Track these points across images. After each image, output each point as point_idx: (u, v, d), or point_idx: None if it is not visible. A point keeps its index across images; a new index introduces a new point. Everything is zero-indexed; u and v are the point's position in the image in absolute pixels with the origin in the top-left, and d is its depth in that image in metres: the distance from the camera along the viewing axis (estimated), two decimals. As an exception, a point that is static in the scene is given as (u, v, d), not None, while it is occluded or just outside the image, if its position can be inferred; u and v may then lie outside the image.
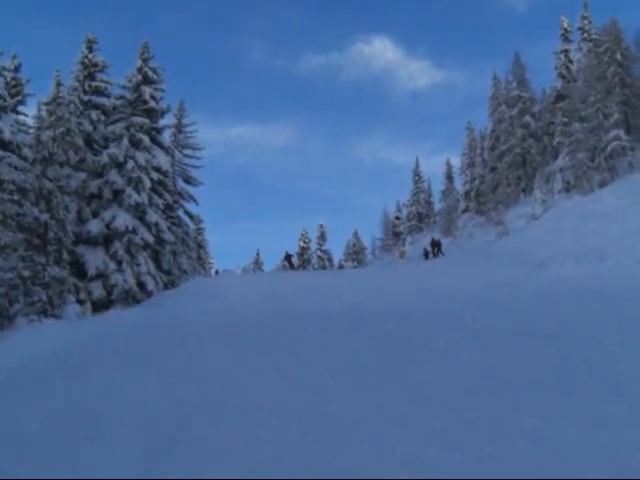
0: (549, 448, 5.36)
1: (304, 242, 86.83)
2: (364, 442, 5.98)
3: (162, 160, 34.24)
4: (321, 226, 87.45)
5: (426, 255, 51.39)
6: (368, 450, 5.78)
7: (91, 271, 28.51)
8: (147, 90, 34.71)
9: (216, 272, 65.09)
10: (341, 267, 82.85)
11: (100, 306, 28.02)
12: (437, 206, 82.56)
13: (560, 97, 51.31)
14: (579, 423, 5.87)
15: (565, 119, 45.68)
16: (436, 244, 49.76)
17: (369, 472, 5.27)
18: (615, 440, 5.38)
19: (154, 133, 35.60)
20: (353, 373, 8.85)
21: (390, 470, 5.25)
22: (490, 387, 7.41)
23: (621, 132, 39.04)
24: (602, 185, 37.87)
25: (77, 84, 34.17)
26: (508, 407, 6.57)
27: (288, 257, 49.03)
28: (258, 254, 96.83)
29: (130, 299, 29.62)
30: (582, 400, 6.60)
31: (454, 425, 6.19)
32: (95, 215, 30.64)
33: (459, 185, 75.67)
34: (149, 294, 30.84)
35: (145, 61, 35.62)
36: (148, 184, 32.15)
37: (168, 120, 41.02)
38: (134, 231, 30.52)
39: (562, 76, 54.02)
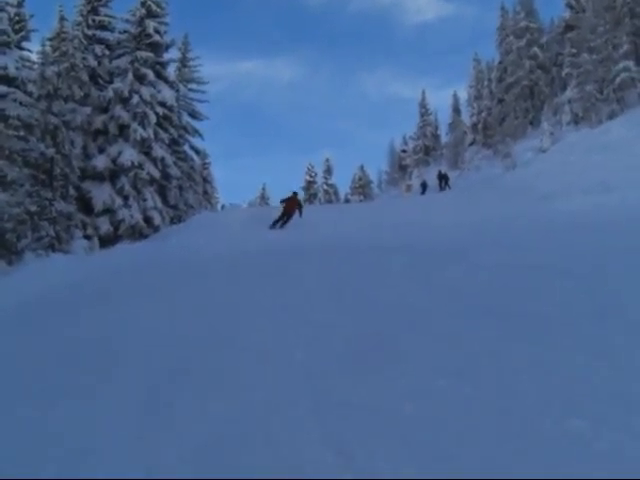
0: (554, 380, 5.41)
1: (310, 176, 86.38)
2: (369, 375, 6.04)
3: (167, 94, 33.95)
4: (327, 160, 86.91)
5: (423, 190, 51.26)
6: (373, 383, 5.84)
7: (98, 206, 28.54)
8: (151, 24, 34.22)
9: (222, 207, 65.07)
10: (347, 201, 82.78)
11: (107, 241, 28.11)
12: (444, 139, 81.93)
13: (568, 28, 50.23)
14: (584, 354, 5.89)
15: (573, 50, 44.89)
16: (443, 177, 49.60)
17: (375, 404, 5.35)
18: (620, 370, 5.43)
19: (159, 67, 35.20)
20: (356, 306, 8.91)
21: (397, 402, 5.33)
22: (495, 320, 7.45)
23: (630, 63, 38.43)
24: (611, 117, 37.42)
25: (81, 19, 33.62)
26: (514, 340, 6.60)
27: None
28: (264, 189, 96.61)
29: (137, 234, 29.71)
30: (587, 331, 6.62)
31: (460, 358, 6.25)
32: (101, 151, 30.52)
33: (466, 118, 75.16)
34: (156, 229, 30.92)
35: (148, -6, 35.12)
36: (153, 119, 31.96)
37: (172, 54, 40.56)
38: (140, 166, 30.45)
39: (570, 6, 52.77)
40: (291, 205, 28.72)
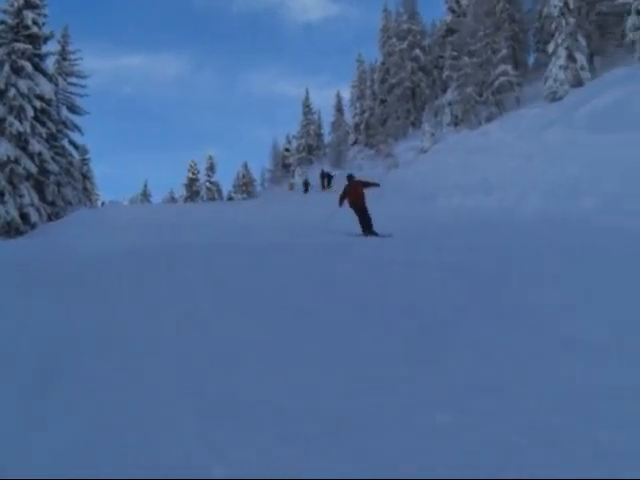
0: (426, 374, 5.47)
1: (192, 173, 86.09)
2: (241, 372, 6.00)
3: (45, 88, 33.09)
4: (210, 157, 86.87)
5: (306, 189, 51.69)
6: (247, 379, 5.80)
7: (-29, 202, 27.60)
8: (29, 15, 33.26)
9: (102, 204, 64.06)
10: (230, 199, 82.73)
11: (-19, 238, 27.21)
12: (327, 138, 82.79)
13: (450, 31, 51.58)
14: (457, 347, 6.01)
15: (454, 53, 46.11)
16: (326, 176, 50.07)
17: (255, 400, 5.30)
18: (490, 361, 5.55)
19: (37, 60, 34.26)
20: (240, 302, 8.84)
21: (279, 396, 5.29)
22: (361, 311, 7.50)
23: (509, 67, 39.94)
24: (489, 119, 38.90)
25: (-45, 8, 32.54)
26: (384, 332, 6.66)
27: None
28: (146, 185, 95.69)
29: (12, 231, 28.86)
30: (458, 322, 6.75)
31: (339, 353, 6.25)
32: (-25, 144, 29.55)
33: (349, 118, 76.08)
34: (33, 226, 30.10)
35: (27, -16, 34.12)
36: (31, 113, 31.09)
37: (51, 47, 39.64)
38: (16, 161, 29.56)
39: (452, 10, 54.14)
40: (357, 193, 19.17)
